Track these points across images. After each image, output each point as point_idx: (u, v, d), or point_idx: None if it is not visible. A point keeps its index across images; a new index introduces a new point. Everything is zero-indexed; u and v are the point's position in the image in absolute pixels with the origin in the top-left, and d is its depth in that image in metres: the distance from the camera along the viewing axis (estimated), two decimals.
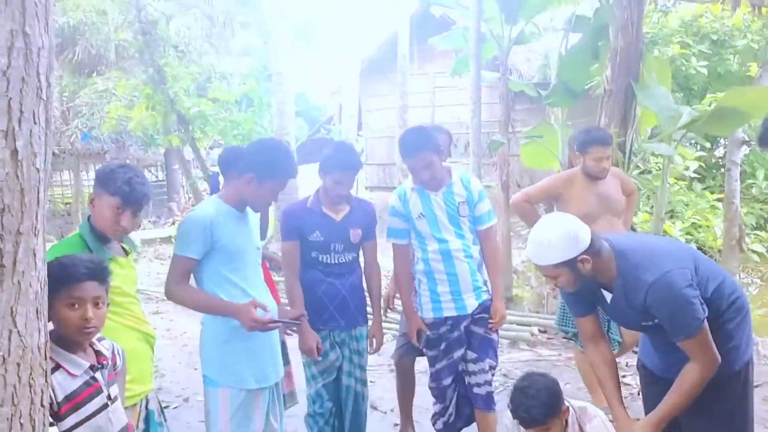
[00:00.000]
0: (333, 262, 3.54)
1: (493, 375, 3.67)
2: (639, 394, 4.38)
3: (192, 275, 3.00)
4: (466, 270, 3.53)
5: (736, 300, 2.56)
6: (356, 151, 3.67)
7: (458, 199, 3.56)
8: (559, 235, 2.43)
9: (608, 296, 2.58)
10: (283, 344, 3.62)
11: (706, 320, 2.39)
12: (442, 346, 3.59)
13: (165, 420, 2.98)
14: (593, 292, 2.64)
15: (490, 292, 3.65)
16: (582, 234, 2.44)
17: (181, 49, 12.26)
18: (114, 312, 2.59)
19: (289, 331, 3.74)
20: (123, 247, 2.79)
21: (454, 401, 3.67)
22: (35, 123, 1.68)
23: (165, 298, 3.15)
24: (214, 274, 2.96)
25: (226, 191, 3.13)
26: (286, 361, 3.72)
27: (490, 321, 3.59)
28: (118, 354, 2.30)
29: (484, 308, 3.60)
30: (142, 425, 2.75)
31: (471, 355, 3.61)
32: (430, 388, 3.72)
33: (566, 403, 2.76)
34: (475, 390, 3.61)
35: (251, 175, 2.97)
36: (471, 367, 3.60)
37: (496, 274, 3.70)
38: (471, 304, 3.57)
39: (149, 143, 16.27)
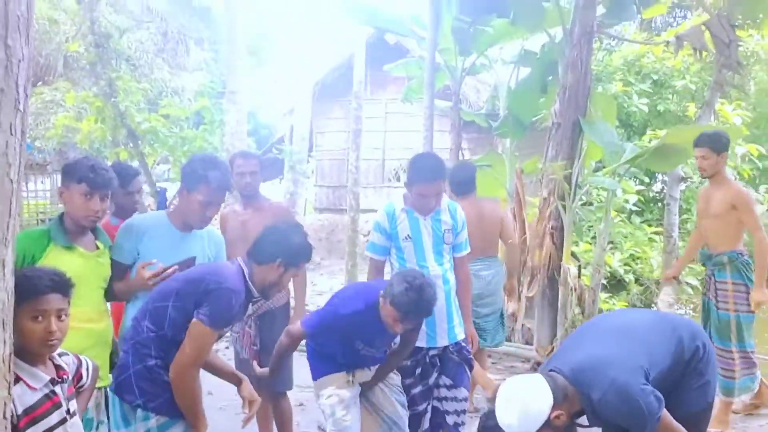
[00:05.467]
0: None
1: (465, 406, 3.66)
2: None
3: None
4: (442, 297, 3.49)
5: (698, 346, 2.66)
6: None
7: (444, 226, 3.59)
8: (521, 408, 2.37)
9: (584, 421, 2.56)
10: None
11: (663, 407, 2.43)
12: (418, 371, 3.58)
13: (108, 419, 2.96)
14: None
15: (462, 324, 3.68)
16: (541, 393, 2.39)
17: (132, 63, 12.10)
18: None
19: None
20: (97, 244, 2.87)
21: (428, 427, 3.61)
22: (12, 134, 1.70)
23: None
24: None
25: (174, 209, 3.14)
26: None
27: (467, 348, 3.63)
28: (87, 369, 2.30)
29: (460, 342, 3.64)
30: None
31: (445, 380, 3.61)
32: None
33: None
34: (448, 419, 3.60)
35: (181, 187, 3.03)
36: (444, 392, 3.60)
37: (467, 299, 3.80)
38: (442, 338, 3.58)
39: (95, 157, 15.89)
